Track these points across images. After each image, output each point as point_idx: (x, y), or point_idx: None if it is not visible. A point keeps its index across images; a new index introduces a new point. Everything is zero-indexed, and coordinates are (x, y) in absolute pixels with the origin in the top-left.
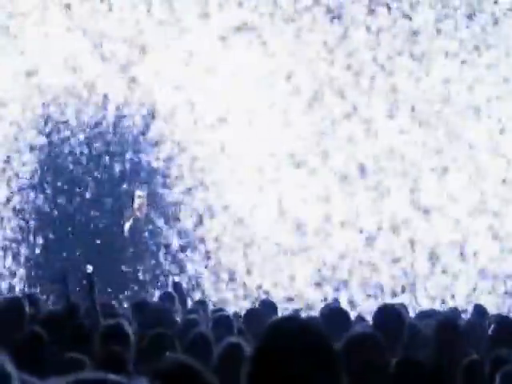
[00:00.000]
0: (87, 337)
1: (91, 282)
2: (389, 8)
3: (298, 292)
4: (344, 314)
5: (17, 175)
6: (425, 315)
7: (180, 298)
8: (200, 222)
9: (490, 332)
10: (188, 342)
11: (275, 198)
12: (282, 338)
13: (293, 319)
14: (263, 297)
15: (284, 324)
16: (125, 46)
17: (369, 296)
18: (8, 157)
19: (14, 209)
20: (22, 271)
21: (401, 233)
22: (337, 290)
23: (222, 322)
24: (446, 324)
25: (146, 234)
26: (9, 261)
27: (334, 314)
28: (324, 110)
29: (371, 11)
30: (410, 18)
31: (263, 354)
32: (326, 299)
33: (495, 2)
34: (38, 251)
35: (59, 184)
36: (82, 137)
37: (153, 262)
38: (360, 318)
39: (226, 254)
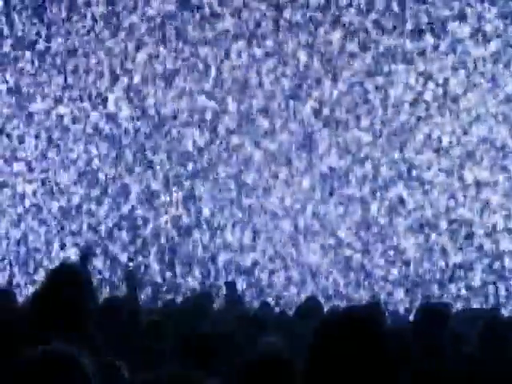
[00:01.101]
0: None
1: (133, 279)
2: None
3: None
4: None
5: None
6: (466, 314)
7: (231, 297)
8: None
9: None
10: None
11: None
12: (339, 333)
13: (346, 314)
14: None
15: (340, 319)
16: None
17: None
18: None
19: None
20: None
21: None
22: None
23: None
24: (492, 323)
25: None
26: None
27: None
28: None
29: None
30: None
31: (319, 351)
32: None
33: None
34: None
35: None
36: None
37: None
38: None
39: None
